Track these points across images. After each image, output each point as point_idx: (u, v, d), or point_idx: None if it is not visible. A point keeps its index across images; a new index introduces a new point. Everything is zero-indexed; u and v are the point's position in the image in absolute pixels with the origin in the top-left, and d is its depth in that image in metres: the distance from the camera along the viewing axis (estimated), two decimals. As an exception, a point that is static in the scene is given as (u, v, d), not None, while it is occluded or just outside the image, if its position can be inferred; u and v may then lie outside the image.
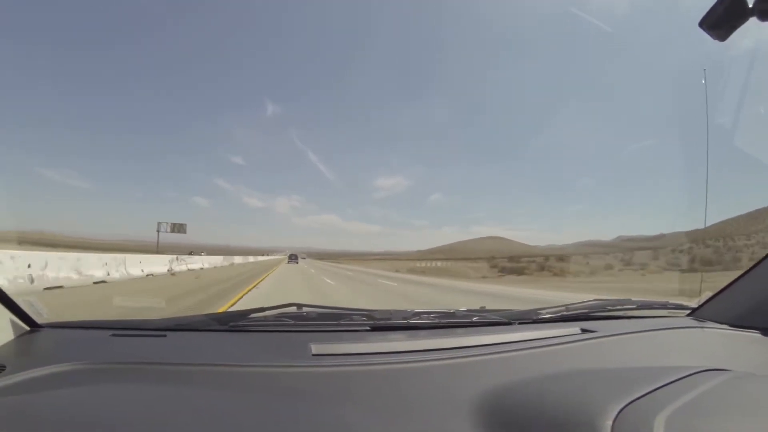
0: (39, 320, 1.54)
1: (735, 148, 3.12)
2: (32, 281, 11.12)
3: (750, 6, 1.00)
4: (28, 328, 1.50)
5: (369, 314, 1.78)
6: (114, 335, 1.45)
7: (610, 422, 0.84)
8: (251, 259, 68.14)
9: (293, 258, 79.55)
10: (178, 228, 68.25)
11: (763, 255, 2.01)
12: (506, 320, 1.90)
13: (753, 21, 1.04)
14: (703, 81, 2.95)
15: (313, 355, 1.32)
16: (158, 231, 66.65)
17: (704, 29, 1.09)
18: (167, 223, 68.33)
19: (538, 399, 1.02)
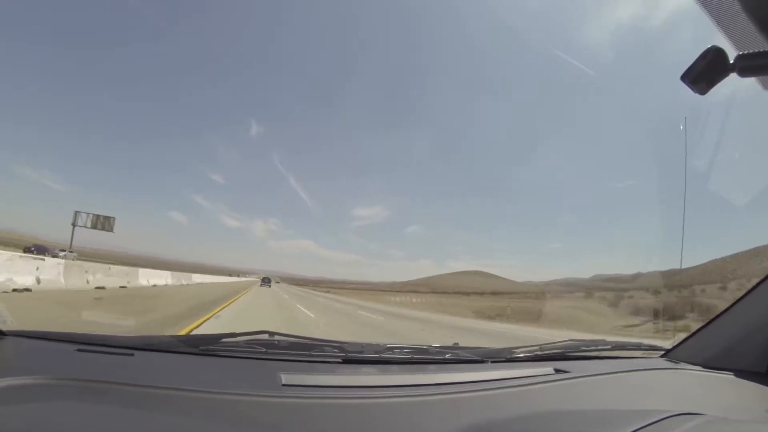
0: (3, 328, 1.46)
1: (710, 191, 3.21)
2: None
3: (731, 63, 1.04)
4: None
5: (341, 346, 1.74)
6: (80, 350, 1.38)
7: None
8: (221, 279, 57.11)
9: (266, 281, 77.30)
10: (103, 223, 48.07)
11: (737, 298, 2.05)
12: (479, 358, 1.88)
13: (733, 75, 1.08)
14: (682, 127, 3.05)
15: (283, 385, 1.28)
16: (74, 224, 47.06)
17: (686, 83, 1.13)
18: (89, 214, 48.38)
19: None
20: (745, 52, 1.01)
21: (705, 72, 1.08)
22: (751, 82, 1.34)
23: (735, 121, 3.06)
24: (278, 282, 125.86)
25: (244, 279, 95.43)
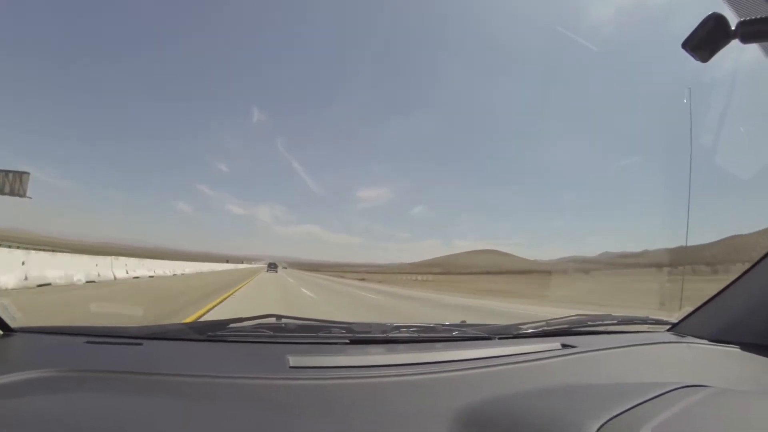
0: (12, 324, 1.48)
1: (716, 165, 3.18)
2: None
3: (732, 29, 1.02)
4: (0, 332, 1.45)
5: (348, 327, 1.76)
6: (88, 342, 1.41)
7: None
8: (222, 267, 54.42)
9: (272, 267, 77.48)
10: (13, 182, 30.76)
11: (742, 271, 2.05)
12: (486, 335, 1.89)
13: (735, 43, 1.06)
14: (686, 100, 3.01)
15: (291, 367, 1.29)
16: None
17: (687, 50, 1.11)
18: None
19: (517, 415, 1.01)
20: (747, 18, 1.00)
21: (706, 39, 1.07)
22: (756, 54, 1.33)
23: (741, 93, 3.02)
24: (285, 267, 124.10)
25: (245, 266, 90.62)
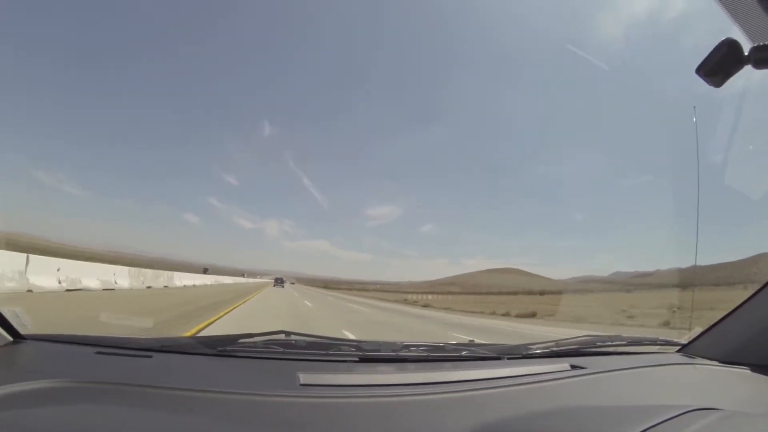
0: (23, 331, 1.49)
1: (725, 185, 3.16)
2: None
3: (746, 54, 1.03)
4: (11, 339, 1.45)
5: (358, 345, 1.75)
6: (98, 353, 1.41)
7: None
8: (224, 280, 51.65)
9: (279, 281, 76.25)
10: None
11: (752, 292, 2.03)
12: (495, 355, 1.88)
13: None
14: (694, 119, 3.00)
15: (302, 384, 1.29)
16: None
17: (701, 76, 1.13)
18: None
19: None
20: (761, 44, 1.01)
21: (720, 64, 1.08)
22: (765, 74, 1.34)
23: (749, 112, 3.01)
24: (293, 283, 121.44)
25: (251, 280, 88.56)
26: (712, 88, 1.17)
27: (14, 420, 0.93)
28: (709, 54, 1.09)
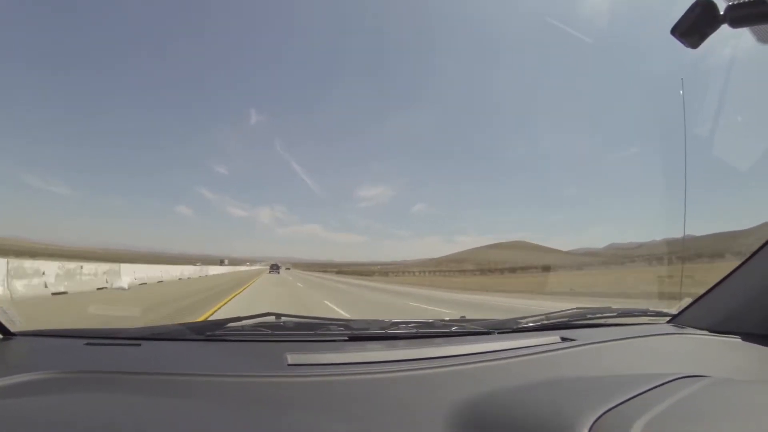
0: (12, 328, 1.50)
1: (713, 156, 3.16)
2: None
3: (721, 13, 1.02)
4: (0, 336, 1.47)
5: (347, 324, 1.76)
6: (88, 344, 1.42)
7: (586, 430, 0.83)
8: (214, 270, 47.92)
9: (275, 268, 77.32)
10: None
11: (741, 261, 2.04)
12: (486, 330, 1.89)
13: (728, 30, 1.06)
14: (681, 91, 2.99)
15: (289, 365, 1.30)
16: None
17: (676, 36, 1.11)
18: None
19: (516, 408, 1.01)
20: (736, 2, 0.99)
21: (695, 24, 1.07)
22: (750, 42, 1.32)
23: (737, 82, 3.00)
24: (289, 269, 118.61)
25: (241, 268, 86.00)
26: (698, 59, 1.16)
27: (7, 412, 0.93)
28: (683, 14, 1.07)
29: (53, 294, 13.41)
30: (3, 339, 1.47)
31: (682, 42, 1.10)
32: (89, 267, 17.02)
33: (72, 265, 15.92)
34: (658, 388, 1.06)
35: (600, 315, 2.32)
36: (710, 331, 2.04)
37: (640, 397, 0.99)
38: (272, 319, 1.74)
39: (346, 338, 1.66)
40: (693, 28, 1.07)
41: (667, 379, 1.12)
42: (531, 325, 2.01)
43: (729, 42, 1.09)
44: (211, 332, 1.56)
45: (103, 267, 18.36)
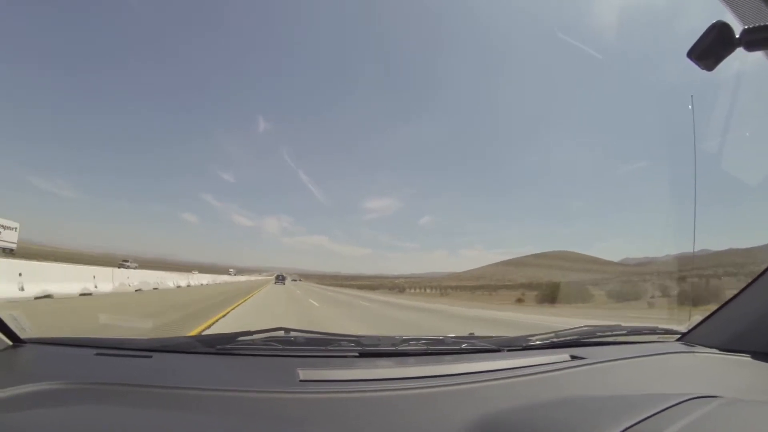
0: (22, 335, 1.49)
1: (722, 171, 3.15)
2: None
3: (737, 36, 1.02)
4: (10, 343, 1.45)
5: (357, 340, 1.75)
6: (98, 354, 1.41)
7: None
8: (208, 280, 40.84)
9: (280, 279, 76.18)
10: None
11: (751, 280, 2.03)
12: (495, 347, 1.88)
13: (739, 49, 1.06)
14: (690, 107, 3.00)
15: (301, 380, 1.29)
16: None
17: (692, 59, 1.11)
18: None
19: (526, 427, 1.00)
20: (752, 26, 1.00)
21: (711, 47, 1.07)
22: (759, 58, 1.33)
23: (745, 97, 3.00)
24: (295, 280, 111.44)
25: (241, 278, 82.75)
26: (706, 75, 1.16)
27: (15, 423, 0.93)
28: (700, 37, 1.08)
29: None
30: (12, 346, 1.45)
31: (698, 65, 1.11)
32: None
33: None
34: (670, 409, 1.05)
35: (610, 333, 2.30)
36: (720, 350, 2.02)
37: (652, 418, 0.98)
38: (282, 333, 1.72)
39: (357, 354, 1.64)
40: (709, 51, 1.08)
41: (679, 400, 1.11)
42: (540, 343, 2.00)
43: (738, 56, 1.09)
44: (221, 346, 1.55)
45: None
